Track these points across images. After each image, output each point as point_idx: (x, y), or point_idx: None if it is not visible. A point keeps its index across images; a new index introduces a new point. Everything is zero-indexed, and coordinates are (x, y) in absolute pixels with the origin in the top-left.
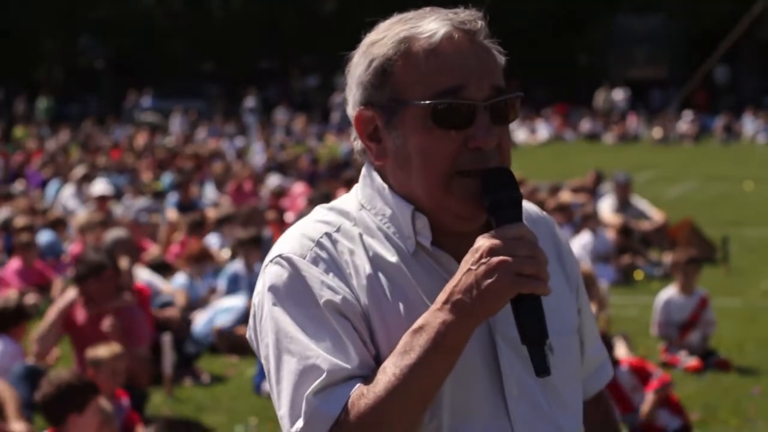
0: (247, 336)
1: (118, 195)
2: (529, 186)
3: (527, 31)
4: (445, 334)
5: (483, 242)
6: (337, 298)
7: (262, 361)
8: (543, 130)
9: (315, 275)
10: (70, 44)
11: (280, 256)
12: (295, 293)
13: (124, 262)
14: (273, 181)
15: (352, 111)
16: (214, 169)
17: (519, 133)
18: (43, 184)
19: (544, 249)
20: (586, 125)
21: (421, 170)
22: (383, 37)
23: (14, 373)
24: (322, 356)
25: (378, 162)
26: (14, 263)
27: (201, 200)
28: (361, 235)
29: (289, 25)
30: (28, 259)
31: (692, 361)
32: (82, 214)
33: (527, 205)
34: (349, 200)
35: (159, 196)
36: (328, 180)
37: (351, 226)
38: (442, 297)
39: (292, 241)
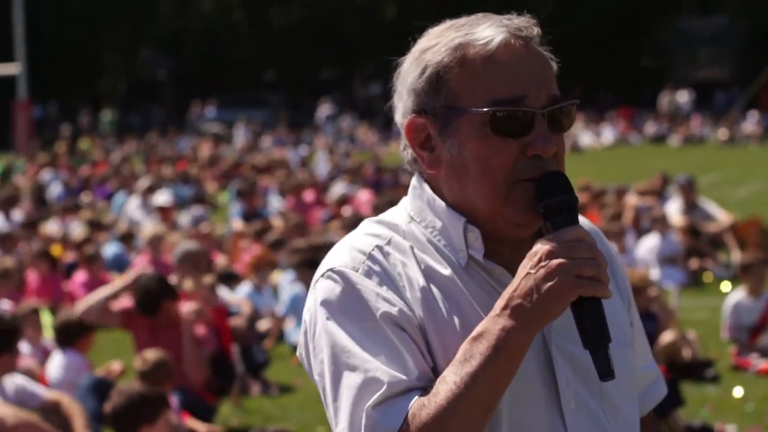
0: (298, 354)
1: (182, 205)
2: (596, 189)
3: (591, 35)
4: (505, 340)
5: (541, 246)
6: (394, 310)
7: (315, 377)
8: (608, 134)
9: (369, 288)
10: (132, 56)
11: (331, 270)
12: (349, 307)
13: (207, 278)
14: (338, 189)
15: (402, 119)
16: (278, 178)
17: (584, 137)
18: (109, 196)
19: None
20: (651, 128)
21: (479, 179)
22: (436, 44)
23: (82, 386)
24: (381, 369)
25: (431, 171)
26: (80, 276)
27: (266, 209)
28: (412, 248)
29: (351, 33)
30: (94, 271)
31: (764, 364)
32: (148, 226)
33: (579, 217)
34: (397, 213)
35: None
36: (393, 187)
37: (401, 238)
38: (500, 303)
39: (343, 255)
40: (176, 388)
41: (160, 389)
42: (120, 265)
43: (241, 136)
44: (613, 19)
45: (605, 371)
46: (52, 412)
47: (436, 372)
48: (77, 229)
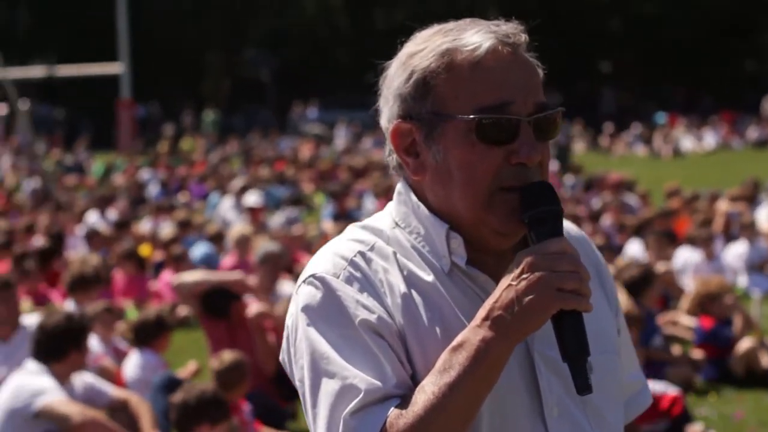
0: (281, 359)
1: (277, 206)
2: (687, 194)
3: (693, 39)
4: (485, 351)
5: (523, 257)
6: (373, 318)
7: (297, 383)
8: (710, 138)
9: (349, 294)
10: (235, 57)
11: (313, 276)
12: (329, 313)
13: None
14: None
15: (387, 123)
16: (373, 180)
17: (685, 141)
18: (206, 196)
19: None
20: (753, 133)
21: (463, 185)
22: (424, 48)
23: (154, 384)
24: (359, 376)
25: (415, 177)
26: (167, 275)
27: (358, 211)
28: (395, 254)
29: None
30: (181, 270)
31: None
32: (236, 227)
33: (566, 224)
34: (382, 218)
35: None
36: None
37: (384, 244)
38: (481, 313)
39: (325, 261)
40: (250, 392)
41: (229, 396)
42: (209, 264)
43: (341, 137)
44: (715, 23)
45: (582, 386)
46: (120, 410)
47: (415, 380)
48: (168, 229)
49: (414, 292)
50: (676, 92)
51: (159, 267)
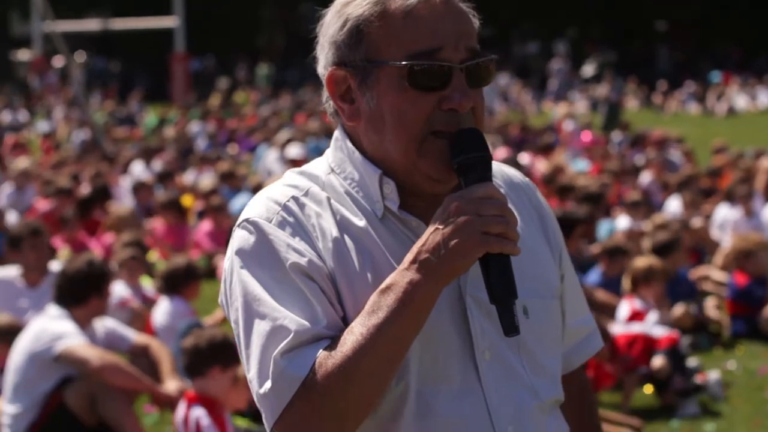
0: (219, 301)
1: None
2: (733, 153)
3: None
4: (412, 294)
5: (450, 202)
6: (303, 261)
7: (232, 324)
8: (763, 97)
9: (281, 238)
10: (291, 11)
11: (246, 220)
12: (261, 256)
13: None
14: None
15: (323, 71)
16: None
17: (739, 99)
18: (254, 149)
19: (525, 214)
20: None
21: (395, 131)
22: None
23: (180, 330)
24: (289, 317)
25: (350, 123)
26: (206, 225)
27: None
28: (329, 199)
29: None
30: (219, 221)
31: None
32: (273, 177)
33: (509, 170)
34: (319, 164)
35: None
36: (536, 145)
37: (319, 189)
38: (409, 257)
39: (259, 206)
40: None
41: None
42: None
43: None
44: None
45: (510, 328)
46: (141, 355)
47: (346, 322)
48: (209, 180)
49: (346, 237)
50: (732, 51)
51: (200, 217)
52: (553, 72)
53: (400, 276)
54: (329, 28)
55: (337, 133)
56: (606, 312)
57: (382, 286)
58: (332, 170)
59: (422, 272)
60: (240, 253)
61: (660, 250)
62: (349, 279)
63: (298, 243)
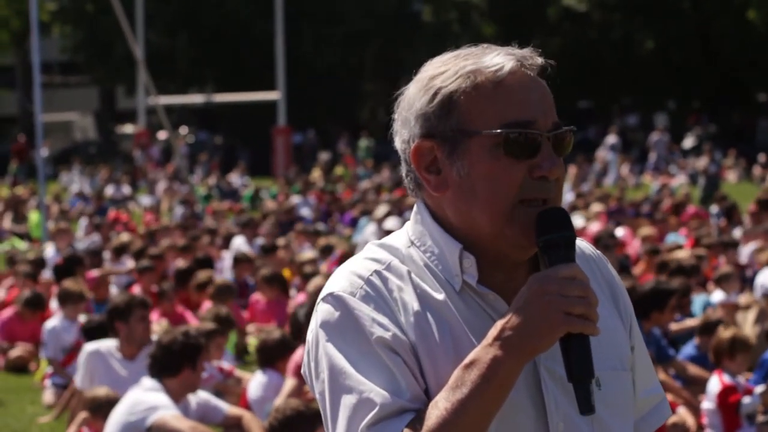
0: (302, 372)
1: None
2: None
3: None
4: (495, 370)
5: (534, 281)
6: (388, 335)
7: (317, 396)
8: None
9: (365, 312)
10: (390, 86)
11: (331, 294)
12: (346, 330)
13: None
14: (576, 221)
15: (405, 145)
16: None
17: None
18: (353, 222)
19: (596, 287)
20: None
21: (487, 198)
22: (446, 71)
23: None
24: (375, 390)
25: (436, 193)
26: (301, 297)
27: None
28: (409, 273)
29: (608, 64)
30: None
31: None
32: None
33: (581, 243)
34: (399, 237)
35: None
36: (633, 218)
37: (399, 263)
38: (493, 333)
39: (342, 280)
40: None
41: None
42: None
43: None
44: None
45: (585, 407)
46: (234, 427)
47: (428, 395)
48: (308, 253)
49: (426, 310)
50: None
51: (299, 290)
52: (653, 144)
53: (484, 352)
54: (415, 101)
55: (416, 208)
56: (699, 386)
57: (466, 361)
58: (412, 243)
59: (505, 349)
60: (325, 326)
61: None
62: (431, 353)
63: (381, 317)
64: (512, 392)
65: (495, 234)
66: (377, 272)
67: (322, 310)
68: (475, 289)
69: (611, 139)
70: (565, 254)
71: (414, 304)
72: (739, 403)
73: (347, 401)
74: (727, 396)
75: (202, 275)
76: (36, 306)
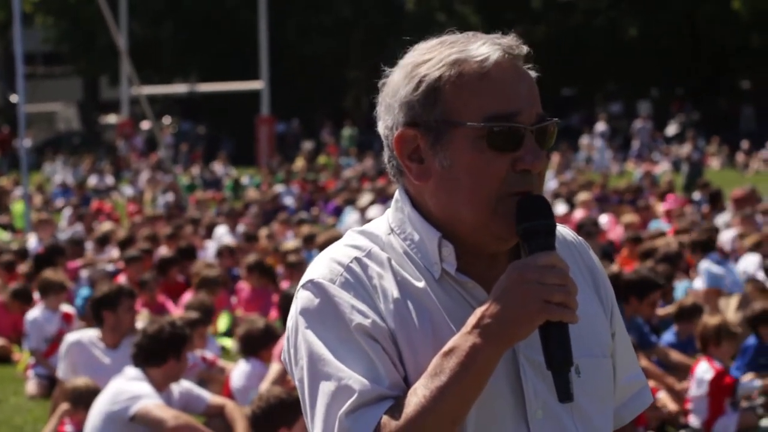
0: (282, 359)
1: None
2: None
3: None
4: (474, 357)
5: (514, 269)
6: (367, 322)
7: (296, 383)
8: None
9: (345, 299)
10: (374, 74)
11: (310, 281)
12: (325, 317)
13: None
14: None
15: (388, 131)
16: None
17: None
18: (336, 211)
19: (577, 273)
20: None
21: (471, 190)
22: (431, 59)
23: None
24: (354, 377)
25: (418, 182)
26: (285, 285)
27: None
28: (389, 260)
29: (593, 51)
30: (297, 279)
31: None
32: None
33: (562, 230)
34: (380, 224)
35: None
36: (617, 205)
37: (380, 250)
38: (472, 321)
39: (322, 267)
40: None
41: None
42: None
43: None
44: None
45: (564, 394)
46: (217, 416)
47: (407, 382)
48: (291, 242)
49: (406, 298)
50: None
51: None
52: (636, 132)
53: (463, 339)
54: (400, 89)
55: (397, 195)
56: (680, 372)
57: (445, 348)
58: (392, 231)
59: (484, 337)
60: (304, 313)
61: (755, 319)
62: (410, 340)
63: (361, 304)
64: (491, 380)
65: (477, 225)
66: (357, 259)
67: (302, 297)
68: (455, 278)
69: (600, 126)
70: (545, 242)
71: (394, 292)
72: (736, 384)
73: (326, 388)
74: (721, 379)
75: (198, 267)
76: (23, 298)
